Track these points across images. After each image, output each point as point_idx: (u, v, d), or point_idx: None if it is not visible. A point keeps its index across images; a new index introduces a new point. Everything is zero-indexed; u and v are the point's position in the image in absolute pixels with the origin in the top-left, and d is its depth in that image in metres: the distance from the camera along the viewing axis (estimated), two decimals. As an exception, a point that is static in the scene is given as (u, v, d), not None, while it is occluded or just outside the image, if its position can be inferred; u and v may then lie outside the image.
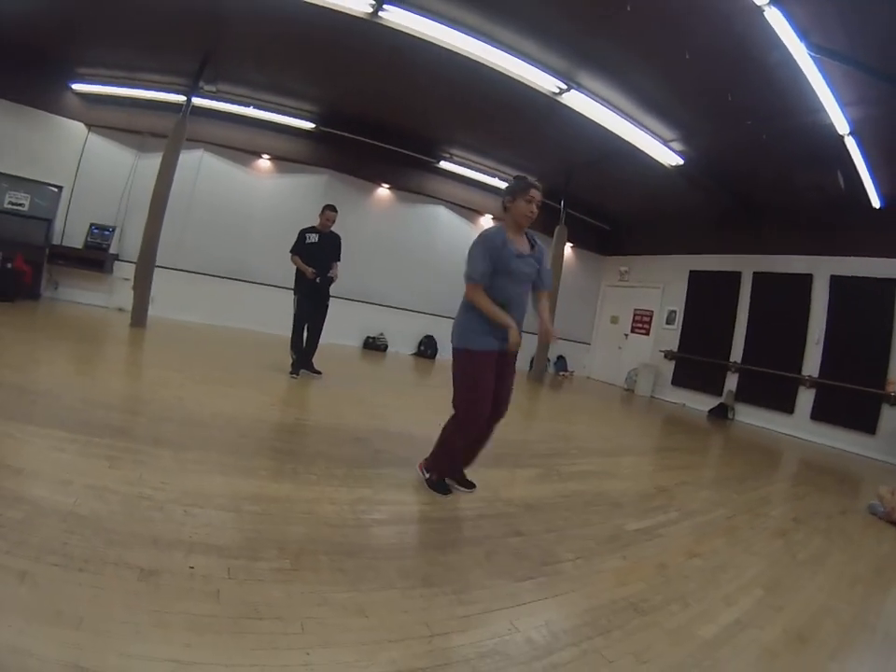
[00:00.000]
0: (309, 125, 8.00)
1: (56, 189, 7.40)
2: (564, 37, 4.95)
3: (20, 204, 7.13)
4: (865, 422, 6.82)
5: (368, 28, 5.00)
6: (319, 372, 5.16)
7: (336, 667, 1.20)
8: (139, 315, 6.50)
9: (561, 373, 10.76)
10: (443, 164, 8.86)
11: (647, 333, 10.37)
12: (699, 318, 9.37)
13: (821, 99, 4.74)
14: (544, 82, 5.51)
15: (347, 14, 4.83)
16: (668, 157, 6.83)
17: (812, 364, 7.53)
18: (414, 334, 9.47)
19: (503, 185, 8.97)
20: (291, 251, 4.99)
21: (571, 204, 9.13)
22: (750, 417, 8.11)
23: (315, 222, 5.10)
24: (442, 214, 9.74)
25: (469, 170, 9.00)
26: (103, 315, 7.22)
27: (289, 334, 5.06)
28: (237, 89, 7.37)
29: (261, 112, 7.72)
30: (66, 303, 7.36)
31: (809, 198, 6.73)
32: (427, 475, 2.57)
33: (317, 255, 4.93)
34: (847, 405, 7.02)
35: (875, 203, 6.68)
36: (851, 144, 5.41)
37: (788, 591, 2.12)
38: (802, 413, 7.55)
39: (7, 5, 5.59)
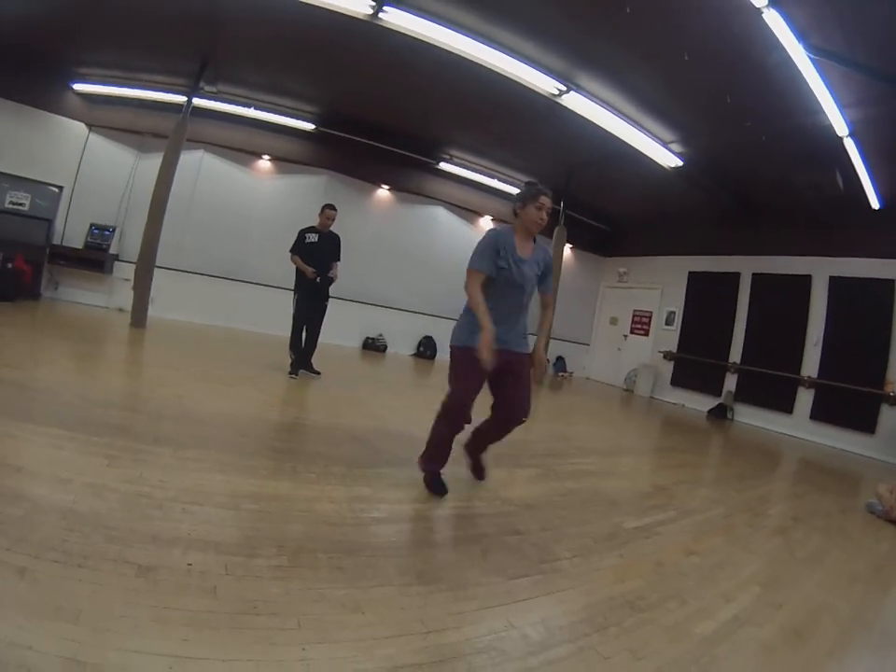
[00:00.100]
0: (309, 126, 8.02)
1: (56, 189, 7.42)
2: (563, 39, 4.97)
3: (20, 204, 7.15)
4: (864, 422, 6.83)
5: (368, 29, 5.02)
6: (318, 373, 5.16)
7: (332, 663, 1.21)
8: (139, 316, 6.51)
9: (560, 374, 10.77)
10: (443, 165, 8.87)
11: (646, 334, 10.38)
12: (698, 319, 9.39)
13: (820, 100, 4.76)
14: (543, 84, 5.53)
15: (347, 15, 4.85)
16: (667, 158, 6.84)
17: (811, 364, 7.54)
18: (414, 335, 9.48)
19: (502, 186, 9.23)
20: (291, 251, 5.00)
21: (570, 205, 9.14)
22: (750, 417, 8.12)
23: (315, 222, 5.11)
24: (441, 215, 9.75)
25: (468, 171, 9.02)
26: (103, 315, 7.23)
27: (289, 334, 5.07)
28: (237, 89, 7.39)
29: (261, 113, 7.74)
30: (66, 303, 7.38)
31: (808, 199, 6.74)
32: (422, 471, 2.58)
33: (317, 254, 4.93)
34: (846, 405, 7.03)
35: (874, 204, 6.69)
36: (850, 145, 5.42)
37: (786, 588, 2.13)
38: (801, 413, 7.57)
39: (8, 5, 5.60)
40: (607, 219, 10.69)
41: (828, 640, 1.75)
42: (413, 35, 5.03)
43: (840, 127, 5.13)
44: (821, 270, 7.63)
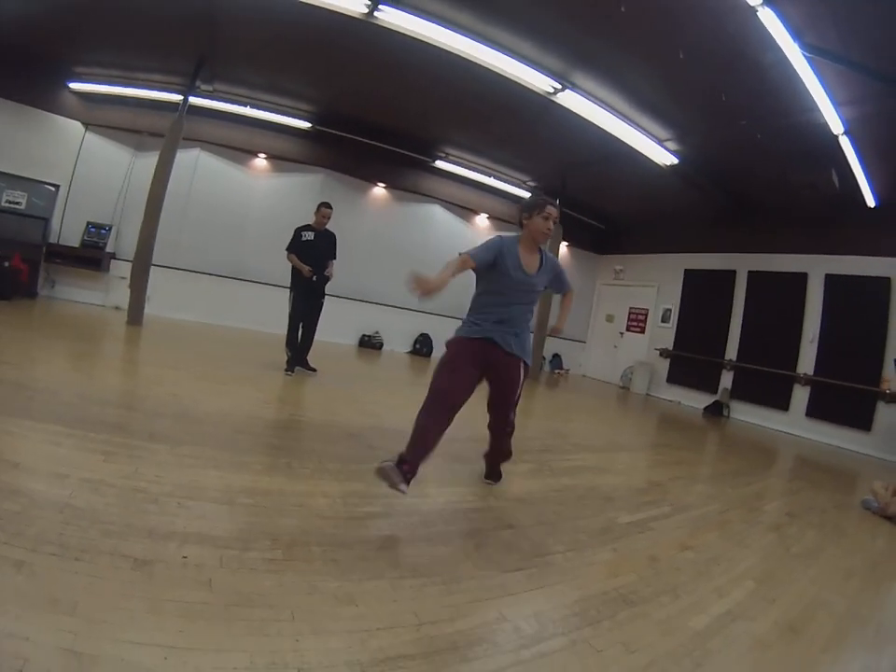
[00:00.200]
0: (305, 124, 8.01)
1: (53, 188, 7.41)
2: (558, 37, 4.97)
3: (17, 203, 7.13)
4: (860, 419, 6.86)
5: (363, 28, 5.02)
6: (314, 370, 5.17)
7: (325, 654, 1.22)
8: (135, 314, 6.51)
9: (556, 371, 10.79)
10: (439, 164, 8.88)
11: (642, 331, 10.41)
12: (694, 317, 9.42)
13: (815, 98, 4.77)
14: (539, 82, 5.54)
15: (343, 14, 4.86)
16: (663, 156, 6.86)
17: (807, 362, 7.57)
18: (410, 333, 9.49)
19: (499, 184, 9.23)
20: (287, 249, 5.00)
21: (566, 203, 9.11)
22: (746, 415, 8.16)
23: (311, 221, 5.12)
24: (438, 213, 9.75)
25: (464, 169, 9.03)
26: (99, 313, 7.22)
27: (284, 332, 5.08)
28: (234, 88, 7.38)
29: (258, 111, 7.74)
30: (63, 302, 7.37)
31: (804, 197, 6.75)
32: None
33: (313, 253, 4.94)
34: (842, 402, 7.06)
35: (870, 201, 6.71)
36: (846, 143, 5.44)
37: (781, 583, 2.14)
38: (797, 410, 7.60)
39: (6, 5, 5.59)
40: (603, 217, 10.71)
41: (822, 635, 1.75)
42: (409, 34, 5.04)
43: (835, 125, 5.15)
44: (817, 268, 7.66)
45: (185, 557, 1.51)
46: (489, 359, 2.35)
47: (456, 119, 7.38)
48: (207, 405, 3.40)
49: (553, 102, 5.85)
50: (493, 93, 5.99)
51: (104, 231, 7.56)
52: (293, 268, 4.98)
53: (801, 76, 4.48)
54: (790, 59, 4.28)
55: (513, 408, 2.54)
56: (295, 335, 5.05)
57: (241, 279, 8.09)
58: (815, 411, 7.39)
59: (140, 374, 4.35)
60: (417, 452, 2.14)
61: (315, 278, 4.90)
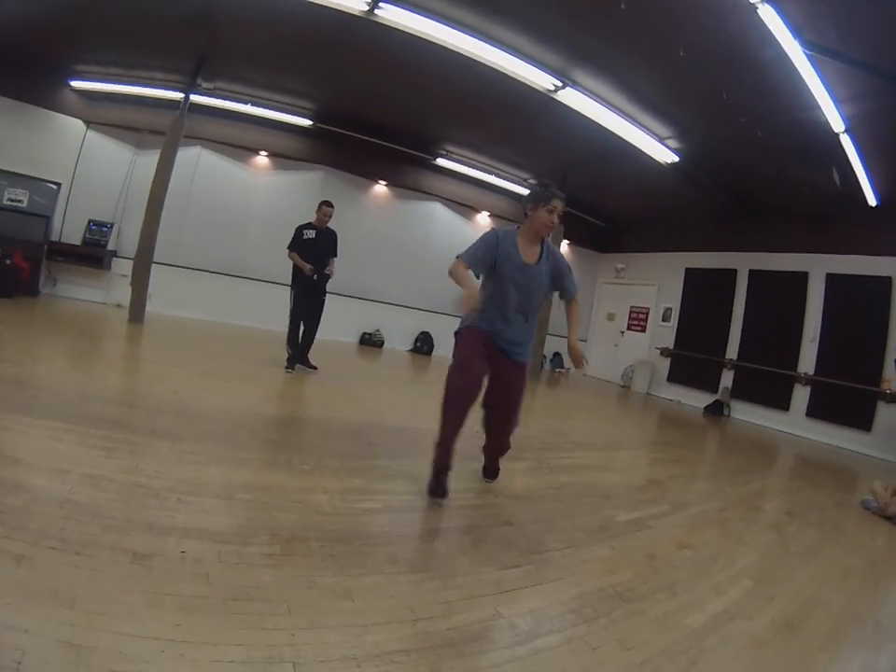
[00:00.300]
0: (306, 122, 8.01)
1: (54, 186, 7.42)
2: (559, 35, 4.97)
3: (18, 201, 7.15)
4: (861, 419, 6.83)
5: (364, 26, 5.03)
6: (315, 367, 5.19)
7: (320, 648, 1.23)
8: (137, 312, 6.53)
9: (557, 370, 10.79)
10: (440, 161, 8.87)
11: (643, 330, 10.39)
12: (695, 315, 9.40)
13: (816, 96, 4.75)
14: (540, 79, 5.53)
15: (343, 12, 4.85)
16: (664, 154, 6.85)
17: (808, 361, 7.55)
18: (411, 330, 9.49)
19: (500, 182, 9.21)
20: (289, 247, 5.02)
21: (567, 202, 9.10)
22: (746, 414, 8.14)
23: (312, 219, 5.13)
24: (439, 210, 9.75)
25: (465, 167, 9.01)
26: (101, 311, 7.24)
27: (285, 330, 5.10)
28: (235, 86, 7.38)
29: (259, 109, 7.73)
30: (65, 300, 7.39)
31: (805, 195, 6.72)
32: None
33: (314, 251, 4.95)
34: (842, 402, 7.03)
35: (871, 200, 6.69)
36: (847, 141, 5.43)
37: (779, 582, 2.14)
38: (797, 410, 7.58)
39: (7, 4, 5.60)
40: (604, 215, 10.68)
41: (820, 634, 1.75)
42: (409, 31, 5.03)
43: (836, 123, 5.13)
44: (818, 267, 7.63)
45: (184, 552, 1.52)
46: (495, 361, 2.35)
47: (457, 117, 7.37)
48: (208, 402, 3.41)
49: (554, 99, 5.84)
50: (493, 91, 5.98)
51: (105, 229, 7.57)
52: (294, 266, 4.99)
53: (801, 73, 4.46)
54: (790, 56, 4.27)
55: (518, 408, 2.50)
56: (296, 333, 5.06)
57: (242, 277, 8.10)
58: (815, 410, 7.37)
59: (141, 371, 4.37)
60: (445, 447, 2.31)
61: (315, 276, 4.92)
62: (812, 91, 4.68)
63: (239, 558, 1.55)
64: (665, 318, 9.92)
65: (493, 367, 2.36)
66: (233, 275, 8.07)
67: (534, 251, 2.40)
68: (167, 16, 5.52)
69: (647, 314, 10.37)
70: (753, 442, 6.41)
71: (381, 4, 4.70)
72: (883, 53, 4.09)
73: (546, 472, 3.21)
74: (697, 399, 8.78)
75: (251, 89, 7.41)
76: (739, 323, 8.60)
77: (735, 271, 8.75)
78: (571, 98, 5.80)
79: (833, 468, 5.68)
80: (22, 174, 7.15)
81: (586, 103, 5.85)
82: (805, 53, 4.19)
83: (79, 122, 7.63)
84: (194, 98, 6.98)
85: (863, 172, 6.04)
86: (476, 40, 5.06)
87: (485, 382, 2.38)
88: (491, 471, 2.74)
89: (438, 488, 2.30)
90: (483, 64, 5.35)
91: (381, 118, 7.81)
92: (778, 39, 4.08)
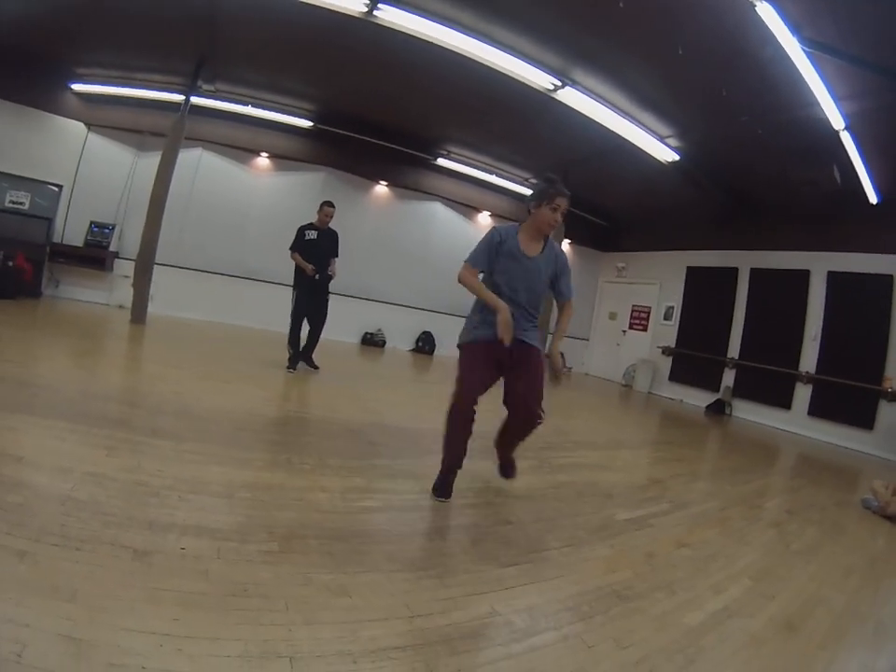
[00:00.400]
0: (307, 123, 8.03)
1: (56, 188, 7.46)
2: (558, 35, 4.97)
3: (20, 203, 7.19)
4: (862, 418, 6.82)
5: (363, 27, 5.04)
6: (317, 367, 5.20)
7: (316, 643, 1.24)
8: (139, 312, 6.56)
9: (559, 370, 10.76)
10: (440, 161, 8.88)
11: (644, 329, 10.39)
12: (696, 314, 9.38)
13: (815, 93, 4.75)
14: (539, 79, 5.54)
15: (342, 13, 4.87)
16: (664, 153, 6.85)
17: (809, 360, 7.53)
18: (412, 330, 9.51)
19: (500, 182, 9.20)
20: (291, 248, 5.03)
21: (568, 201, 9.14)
22: (748, 413, 8.12)
23: (314, 219, 5.14)
24: (439, 210, 9.76)
25: (465, 167, 9.03)
26: (103, 312, 7.27)
27: (287, 330, 5.10)
28: (235, 88, 7.41)
29: (259, 110, 7.77)
30: (67, 301, 7.42)
31: (805, 193, 6.72)
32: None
33: (316, 251, 4.97)
34: (844, 401, 7.01)
35: (872, 198, 6.68)
36: (847, 139, 5.42)
37: (779, 580, 2.13)
38: (799, 408, 7.56)
39: (7, 6, 5.63)
40: (605, 215, 10.67)
41: (820, 632, 1.74)
42: (409, 32, 5.05)
43: (836, 120, 5.12)
44: (819, 265, 7.62)
45: (183, 549, 1.53)
46: (503, 357, 2.30)
47: (457, 117, 7.39)
48: (210, 402, 3.43)
49: (554, 99, 5.85)
50: (493, 91, 5.99)
51: (107, 231, 7.60)
52: (296, 266, 5.01)
53: (801, 71, 4.45)
54: (789, 54, 4.26)
55: (540, 400, 2.42)
56: (298, 333, 5.07)
57: (243, 277, 8.12)
58: (817, 409, 7.36)
59: (143, 372, 4.39)
60: (452, 462, 2.40)
61: (317, 276, 4.93)
62: (812, 88, 4.67)
63: (238, 555, 1.56)
64: (667, 317, 9.91)
65: (502, 364, 2.33)
66: (235, 276, 8.10)
67: (536, 247, 2.40)
68: (167, 17, 5.55)
69: (648, 313, 10.36)
70: (755, 441, 6.40)
71: (380, 5, 4.71)
72: (883, 50, 4.07)
73: (547, 471, 3.21)
74: (699, 398, 8.77)
75: (251, 90, 7.44)
76: (741, 322, 8.59)
77: (737, 269, 8.74)
78: (571, 97, 5.80)
79: (834, 466, 5.66)
80: (24, 176, 7.19)
81: (586, 102, 5.86)
82: (805, 50, 4.19)
83: (80, 125, 7.66)
84: (195, 100, 7.00)
85: (864, 169, 6.03)
86: (476, 41, 5.07)
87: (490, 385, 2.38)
88: (508, 467, 2.66)
89: (444, 488, 2.35)
90: (483, 64, 5.37)
91: (381, 118, 7.83)
92: (777, 37, 4.08)
